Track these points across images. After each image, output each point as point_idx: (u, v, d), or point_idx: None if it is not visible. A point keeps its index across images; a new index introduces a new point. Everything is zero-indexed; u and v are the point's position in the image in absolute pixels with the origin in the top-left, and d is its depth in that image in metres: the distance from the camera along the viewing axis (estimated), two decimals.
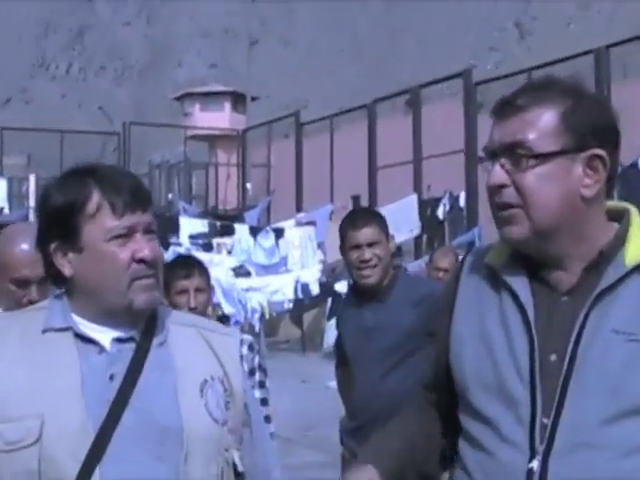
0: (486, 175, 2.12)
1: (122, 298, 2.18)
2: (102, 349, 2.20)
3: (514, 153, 2.07)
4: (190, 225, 19.67)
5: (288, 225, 20.26)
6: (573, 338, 1.99)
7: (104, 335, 2.22)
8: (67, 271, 2.22)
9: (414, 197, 18.29)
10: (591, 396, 1.96)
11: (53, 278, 2.28)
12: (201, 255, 13.82)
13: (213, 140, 39.27)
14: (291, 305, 18.80)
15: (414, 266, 14.72)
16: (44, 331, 2.22)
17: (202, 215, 23.47)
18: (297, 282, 18.39)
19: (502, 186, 2.08)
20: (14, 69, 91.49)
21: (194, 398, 2.22)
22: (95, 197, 2.19)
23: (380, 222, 4.53)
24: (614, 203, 2.19)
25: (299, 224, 20.16)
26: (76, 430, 2.06)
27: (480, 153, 2.20)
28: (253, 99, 45.78)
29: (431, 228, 18.40)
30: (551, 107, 2.06)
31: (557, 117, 2.05)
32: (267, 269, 19.04)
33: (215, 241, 19.27)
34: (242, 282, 17.89)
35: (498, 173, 2.09)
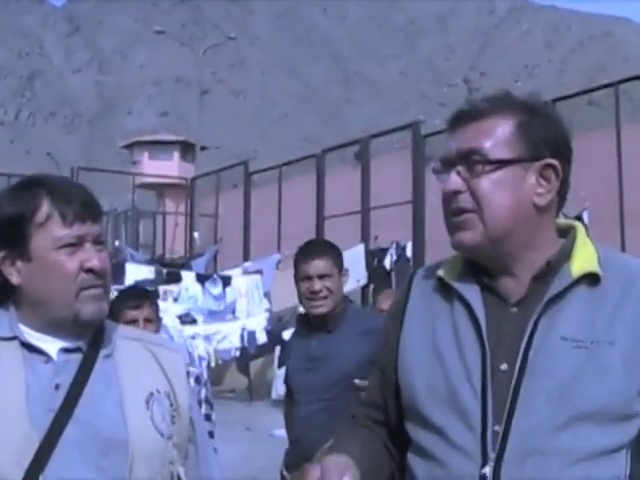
0: (434, 201, 2.18)
1: (69, 308, 2.18)
2: (49, 359, 2.19)
3: (470, 160, 2.13)
4: (136, 271, 19.53)
5: (235, 273, 20.19)
6: (523, 346, 2.03)
7: (51, 345, 2.21)
8: (15, 280, 2.21)
9: (361, 247, 18.33)
10: (540, 403, 1.99)
11: (0, 288, 2.26)
12: None
13: (161, 189, 39.18)
14: (238, 353, 18.69)
15: None
16: None
17: (149, 262, 23.32)
18: (243, 330, 18.30)
19: (457, 192, 2.13)
20: None
21: (140, 410, 2.21)
22: (45, 206, 2.19)
23: (333, 255, 4.56)
24: (563, 221, 2.24)
25: (246, 273, 20.12)
26: (20, 440, 2.04)
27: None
28: (202, 148, 45.86)
29: (378, 278, 18.41)
30: (507, 117, 2.12)
31: (513, 127, 2.11)
32: (214, 316, 18.94)
33: (162, 288, 19.13)
34: (188, 329, 17.77)
35: (454, 179, 2.15)
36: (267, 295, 19.62)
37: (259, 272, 20.00)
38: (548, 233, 2.15)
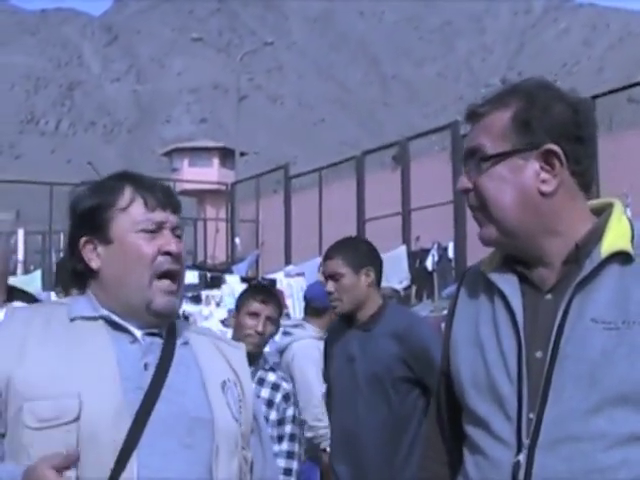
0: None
1: (142, 295, 2.24)
2: (135, 339, 2.26)
3: (474, 158, 2.15)
4: None
5: (279, 277, 20.24)
6: (554, 332, 2.03)
7: (134, 329, 2.28)
8: (94, 264, 2.28)
9: (403, 248, 18.28)
10: (572, 387, 1.98)
11: (79, 275, 2.33)
12: (190, 307, 13.77)
13: (202, 195, 39.36)
14: None
15: None
16: (72, 319, 2.25)
17: (191, 268, 23.45)
18: None
19: (466, 191, 2.17)
20: (3, 124, 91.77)
21: (219, 394, 2.29)
22: (128, 193, 2.28)
23: (346, 254, 4.54)
24: (602, 199, 2.22)
25: (288, 276, 20.14)
26: (114, 413, 2.09)
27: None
28: (242, 154, 45.97)
29: (420, 279, 18.38)
30: (504, 110, 2.13)
31: (508, 119, 2.11)
32: None
33: (204, 293, 19.21)
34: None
35: (462, 179, 2.19)
36: None
37: (301, 275, 20.02)
38: (571, 216, 2.11)
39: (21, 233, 27.36)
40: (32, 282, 19.50)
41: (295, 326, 6.55)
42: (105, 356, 2.18)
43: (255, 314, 4.58)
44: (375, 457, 4.30)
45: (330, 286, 4.51)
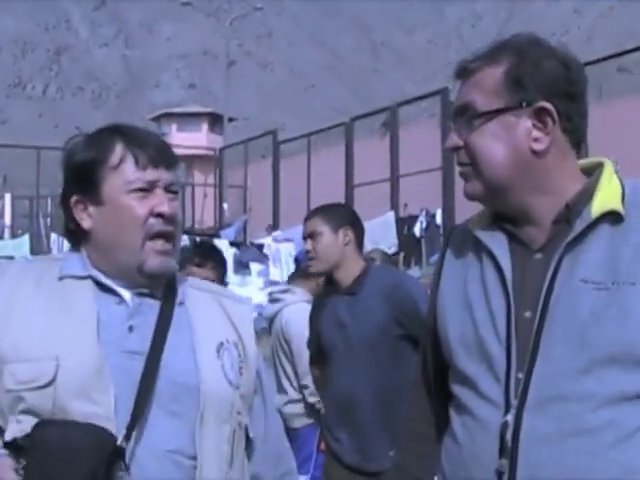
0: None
1: (134, 256, 2.19)
2: (122, 300, 2.21)
3: (465, 115, 2.12)
4: None
5: (267, 242, 20.19)
6: (544, 292, 2.02)
7: (123, 289, 2.23)
8: (86, 224, 2.23)
9: (391, 215, 18.28)
10: (561, 348, 1.98)
11: (71, 234, 2.29)
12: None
13: (190, 160, 39.20)
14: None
15: None
16: (61, 278, 2.22)
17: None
18: None
19: (456, 148, 2.15)
20: None
21: (211, 358, 2.23)
22: (119, 149, 2.21)
23: (324, 214, 4.58)
24: (591, 159, 2.20)
25: (276, 242, 20.11)
26: (91, 374, 2.04)
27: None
28: (230, 120, 45.79)
29: (408, 245, 18.39)
30: (495, 66, 2.10)
31: (500, 75, 2.09)
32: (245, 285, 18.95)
33: None
34: None
35: (452, 136, 2.16)
36: None
37: (290, 241, 19.99)
38: (562, 175, 2.10)
39: (8, 197, 27.31)
40: (21, 247, 19.48)
41: (284, 291, 6.50)
42: (86, 318, 2.14)
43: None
44: (373, 421, 4.32)
45: (308, 244, 4.54)
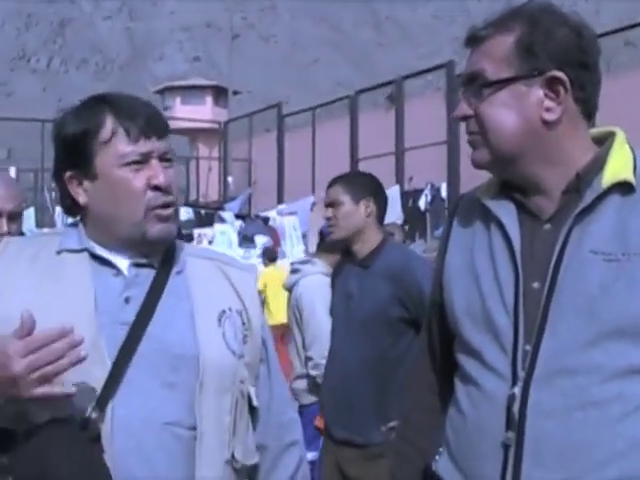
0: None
1: (137, 227, 2.17)
2: (118, 272, 2.20)
3: (475, 84, 2.09)
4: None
5: (272, 215, 20.21)
6: (552, 263, 1.99)
7: (120, 260, 2.21)
8: (82, 200, 2.20)
9: (396, 188, 18.25)
10: (569, 320, 1.95)
11: (69, 208, 2.27)
12: None
13: (194, 134, 39.16)
14: None
15: None
16: (58, 252, 2.21)
17: (184, 206, 23.41)
18: None
19: (466, 117, 2.11)
20: None
21: (211, 327, 2.20)
22: (109, 123, 2.17)
23: (347, 183, 4.55)
24: (603, 128, 2.16)
25: (280, 215, 20.12)
26: (88, 346, 1.98)
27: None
28: (235, 93, 45.65)
29: (413, 219, 18.39)
30: (507, 34, 2.05)
31: (511, 43, 2.04)
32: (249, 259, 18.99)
33: (196, 231, 19.21)
34: None
35: (461, 105, 2.13)
36: (304, 236, 19.58)
37: (294, 214, 20.00)
38: (573, 145, 2.06)
39: (13, 171, 27.25)
40: (26, 220, 19.49)
41: (304, 262, 6.46)
42: (82, 290, 2.13)
43: None
44: (366, 396, 4.28)
45: (329, 212, 4.51)
